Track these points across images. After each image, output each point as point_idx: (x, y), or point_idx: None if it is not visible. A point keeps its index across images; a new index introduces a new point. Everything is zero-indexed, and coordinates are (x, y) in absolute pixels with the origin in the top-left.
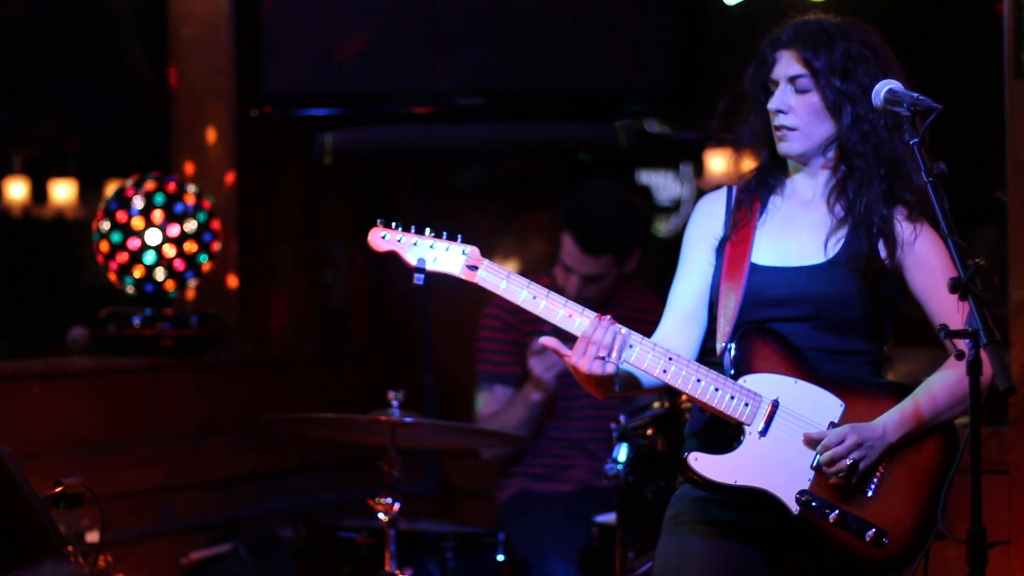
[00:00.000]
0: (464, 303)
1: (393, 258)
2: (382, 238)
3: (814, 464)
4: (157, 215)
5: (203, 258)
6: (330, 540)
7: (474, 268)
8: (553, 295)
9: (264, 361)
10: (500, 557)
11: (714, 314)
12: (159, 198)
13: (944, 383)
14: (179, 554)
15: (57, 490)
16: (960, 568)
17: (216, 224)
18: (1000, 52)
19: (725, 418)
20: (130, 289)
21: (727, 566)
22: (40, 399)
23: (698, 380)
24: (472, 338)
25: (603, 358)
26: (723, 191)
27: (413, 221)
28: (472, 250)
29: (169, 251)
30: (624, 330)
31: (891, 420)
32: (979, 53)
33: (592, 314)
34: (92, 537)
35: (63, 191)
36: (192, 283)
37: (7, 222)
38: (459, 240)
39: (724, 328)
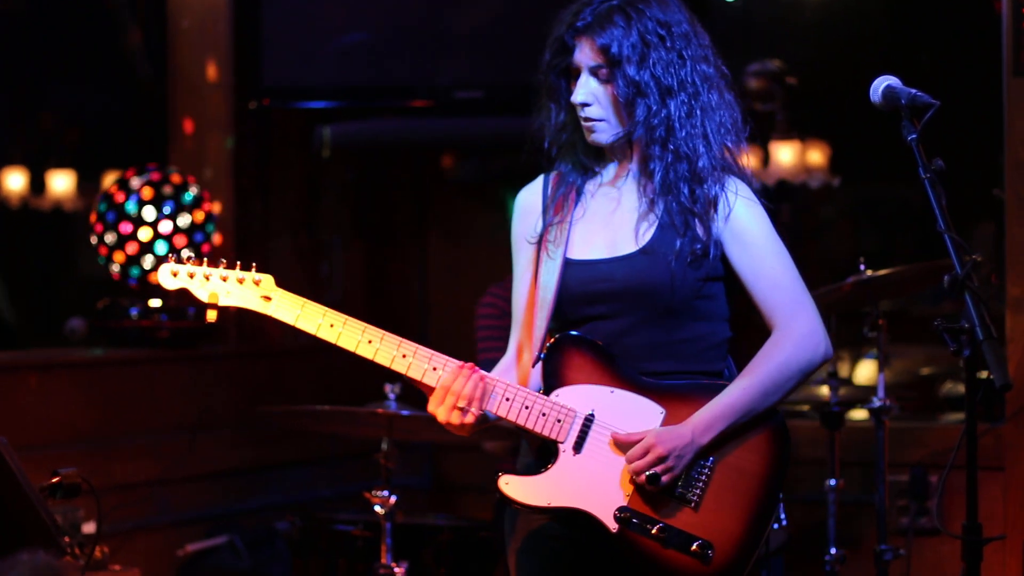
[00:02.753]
0: (461, 295)
1: (390, 251)
2: (172, 275)
3: (632, 479)
4: (154, 207)
5: (201, 250)
6: (326, 533)
7: (268, 299)
8: (353, 324)
9: (261, 354)
10: (495, 550)
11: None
12: (156, 190)
13: (757, 373)
14: (175, 546)
15: (54, 480)
16: (955, 564)
17: (213, 216)
18: (999, 49)
19: (537, 437)
20: (116, 275)
21: None
22: (37, 390)
23: (507, 399)
24: (469, 330)
25: (464, 409)
26: (538, 182)
27: (410, 215)
28: (265, 279)
29: (166, 243)
30: (488, 377)
31: (700, 421)
32: (978, 50)
33: (425, 355)
34: (88, 528)
35: (61, 182)
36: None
37: (5, 213)
38: (253, 270)
39: (537, 335)
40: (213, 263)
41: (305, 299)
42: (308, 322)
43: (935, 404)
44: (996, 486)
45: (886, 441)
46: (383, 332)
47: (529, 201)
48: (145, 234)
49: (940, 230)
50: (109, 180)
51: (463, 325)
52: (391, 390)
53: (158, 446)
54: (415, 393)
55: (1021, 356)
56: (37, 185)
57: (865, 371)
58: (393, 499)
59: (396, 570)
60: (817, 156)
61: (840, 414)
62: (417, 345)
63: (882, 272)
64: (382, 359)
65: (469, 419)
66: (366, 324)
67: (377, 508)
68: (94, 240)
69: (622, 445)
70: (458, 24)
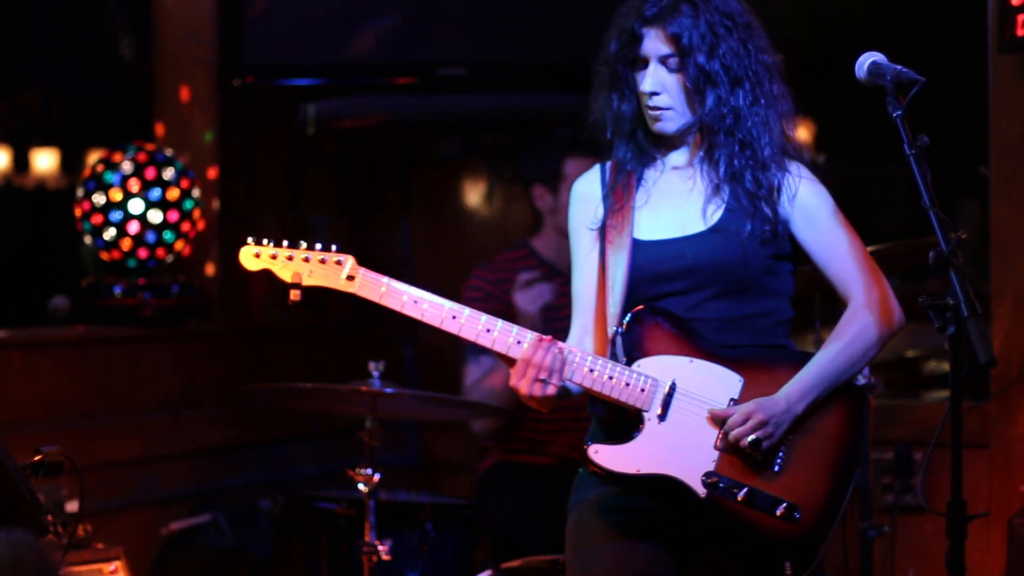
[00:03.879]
0: (445, 274)
1: (374, 228)
2: (255, 256)
3: (718, 444)
4: (138, 185)
5: (184, 228)
6: (309, 511)
7: (351, 278)
8: (434, 300)
9: (245, 332)
10: (479, 529)
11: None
12: (140, 168)
13: (841, 343)
14: (159, 524)
15: (36, 459)
16: (940, 541)
17: (197, 194)
18: (984, 25)
19: (622, 406)
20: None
21: (631, 572)
22: (20, 368)
23: (591, 370)
24: None
25: (544, 381)
26: (595, 171)
27: (395, 192)
28: (347, 259)
29: (150, 221)
30: (566, 348)
31: (794, 391)
32: (963, 27)
33: (507, 329)
34: (72, 507)
35: (45, 160)
36: (173, 253)
37: None
38: (334, 250)
39: (612, 311)
40: (294, 245)
41: (388, 277)
42: (392, 300)
43: (920, 382)
44: (981, 463)
45: (871, 419)
46: (464, 307)
47: (587, 190)
48: (128, 211)
49: (925, 206)
50: (93, 158)
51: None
52: (375, 368)
53: (141, 424)
54: (399, 371)
55: (1006, 333)
56: (20, 163)
57: None
58: (376, 477)
59: (379, 548)
60: (802, 134)
61: None
62: (499, 320)
63: (867, 249)
64: (467, 333)
65: (550, 391)
66: (447, 300)
67: (360, 486)
68: (79, 218)
69: (718, 417)
70: (442, 1)
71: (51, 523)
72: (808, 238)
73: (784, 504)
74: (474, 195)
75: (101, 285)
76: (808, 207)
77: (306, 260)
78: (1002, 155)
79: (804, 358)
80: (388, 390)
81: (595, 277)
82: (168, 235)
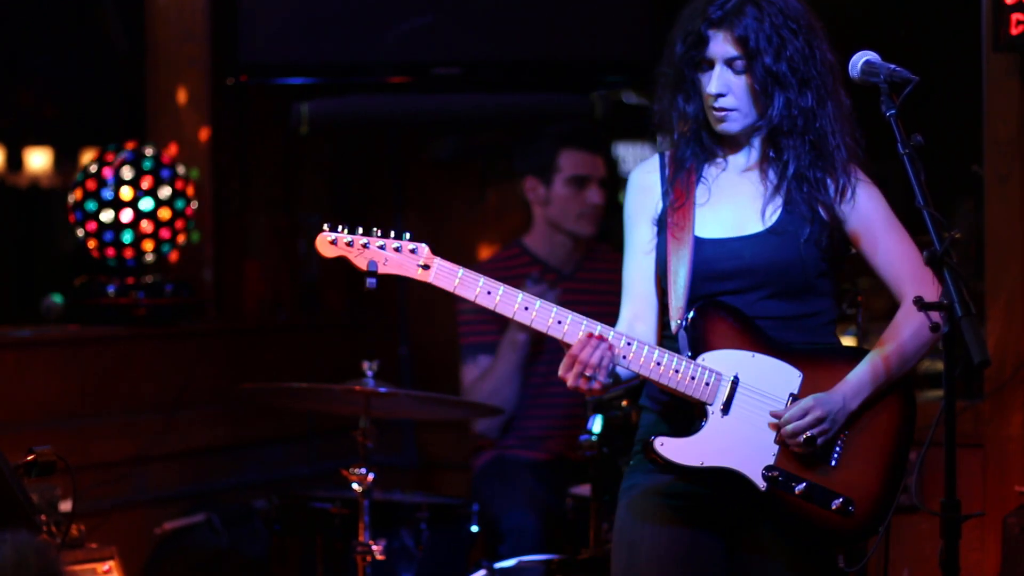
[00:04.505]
0: None
1: (368, 228)
2: (331, 243)
3: (778, 438)
4: (131, 184)
5: (177, 227)
6: (304, 511)
7: (426, 268)
8: (508, 290)
9: (239, 331)
10: (474, 528)
11: (664, 290)
12: (133, 167)
13: (895, 342)
14: (153, 524)
15: (29, 458)
16: (934, 541)
17: (190, 193)
18: (979, 24)
19: (687, 399)
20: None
21: (680, 554)
22: (14, 368)
23: (657, 363)
24: (448, 309)
25: (591, 377)
26: (655, 161)
27: (388, 192)
28: (422, 248)
29: (143, 220)
30: (611, 338)
31: (849, 388)
32: (957, 25)
33: (578, 321)
34: (65, 507)
35: (38, 159)
36: (167, 252)
37: None
38: (407, 238)
39: (676, 305)
40: (368, 232)
41: (462, 266)
42: (467, 289)
43: (914, 381)
44: (975, 463)
45: None
46: (536, 299)
47: (647, 180)
48: (123, 211)
49: (919, 206)
50: (87, 157)
51: (440, 302)
52: (369, 367)
53: (135, 424)
54: (393, 371)
55: (1000, 333)
56: (14, 162)
57: None
58: (371, 477)
59: (374, 548)
60: None
61: None
62: (569, 311)
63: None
64: (539, 324)
65: (595, 386)
66: (520, 291)
67: (355, 486)
68: (72, 218)
69: (777, 414)
70: (436, 1)
71: (44, 523)
72: (865, 240)
73: (840, 499)
74: (468, 195)
75: (94, 285)
76: (865, 210)
77: (381, 248)
78: (996, 154)
79: (860, 354)
80: (382, 390)
81: (650, 266)
82: (161, 235)
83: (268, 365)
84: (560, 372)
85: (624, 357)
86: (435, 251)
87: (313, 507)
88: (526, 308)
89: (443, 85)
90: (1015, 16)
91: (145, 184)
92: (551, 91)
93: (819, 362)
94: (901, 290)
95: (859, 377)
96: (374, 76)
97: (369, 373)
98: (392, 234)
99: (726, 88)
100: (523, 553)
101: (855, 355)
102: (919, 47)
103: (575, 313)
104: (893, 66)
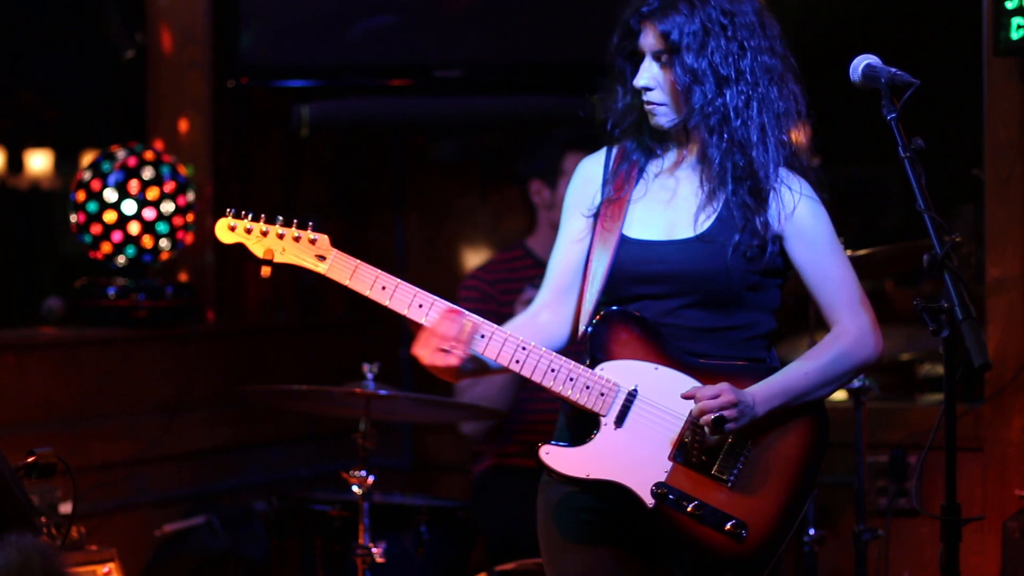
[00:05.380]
0: (440, 274)
1: (368, 230)
2: (230, 229)
3: (672, 455)
4: (132, 186)
5: (178, 229)
6: (304, 513)
7: (323, 259)
8: (404, 286)
9: (239, 333)
10: (473, 531)
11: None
12: (135, 169)
13: (819, 361)
14: (153, 526)
15: (29, 460)
16: (934, 545)
17: (191, 195)
18: (979, 28)
19: (581, 408)
20: (98, 255)
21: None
22: (14, 370)
23: (552, 370)
24: None
25: (446, 351)
26: (602, 154)
27: (389, 194)
28: (321, 239)
29: (144, 222)
30: (472, 323)
31: (760, 392)
32: (958, 29)
33: (443, 305)
34: (65, 508)
35: (39, 161)
36: (167, 254)
37: None
38: (309, 228)
39: (586, 308)
40: (271, 219)
41: (359, 260)
42: (361, 284)
43: (914, 385)
44: (975, 467)
45: (865, 422)
46: (434, 297)
47: (590, 171)
48: (122, 212)
49: (920, 209)
50: (87, 159)
51: None
52: (369, 370)
53: (136, 426)
54: (393, 373)
55: (1000, 336)
56: (15, 164)
57: None
58: (371, 479)
59: (373, 550)
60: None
61: None
62: (478, 318)
63: (862, 252)
64: (431, 321)
65: (452, 360)
66: (418, 288)
67: (355, 488)
68: (72, 219)
69: (688, 395)
70: (437, 3)
71: (44, 525)
72: (801, 258)
73: (732, 521)
74: (468, 197)
75: (95, 286)
76: (804, 227)
77: (280, 236)
78: (997, 158)
79: (772, 374)
80: (382, 392)
81: (574, 258)
82: (161, 236)
83: (268, 367)
84: (415, 349)
85: (517, 362)
86: (434, 244)
87: (313, 509)
88: (420, 306)
89: (444, 87)
90: (1015, 20)
91: (145, 186)
92: (552, 93)
93: (728, 379)
94: (833, 315)
95: (772, 386)
96: (375, 78)
97: (369, 375)
98: (295, 222)
99: (653, 82)
100: (523, 557)
101: (767, 374)
102: (920, 51)
103: (481, 318)
104: (894, 70)
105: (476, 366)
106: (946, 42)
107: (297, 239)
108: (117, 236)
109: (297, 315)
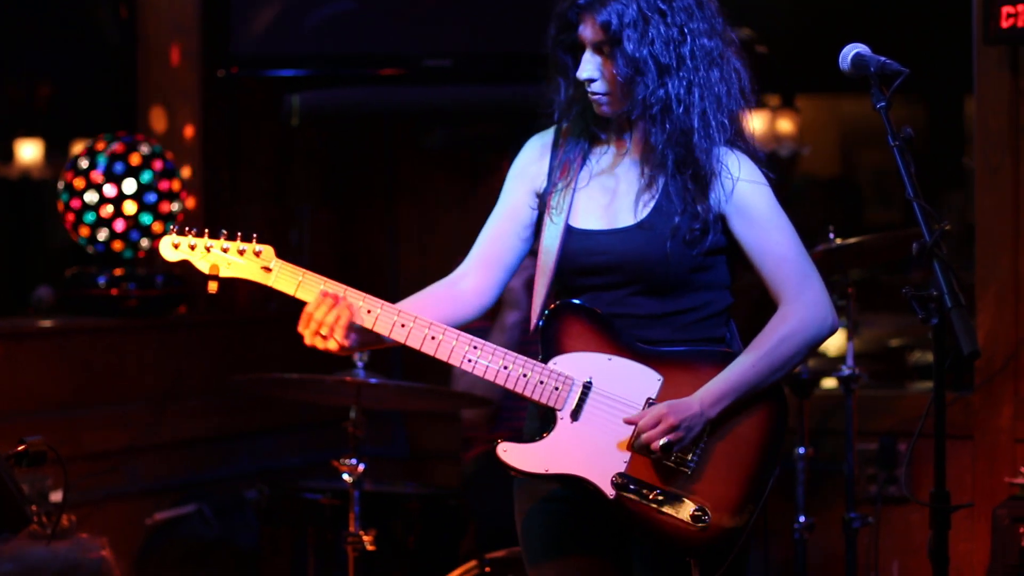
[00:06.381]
0: (430, 263)
1: (359, 219)
2: (174, 247)
3: (631, 445)
4: (121, 174)
5: (168, 217)
6: (295, 501)
7: (268, 270)
8: (351, 292)
9: (230, 322)
10: (464, 519)
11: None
12: (124, 158)
13: (764, 348)
14: (144, 514)
15: (20, 448)
16: (924, 531)
17: (181, 183)
18: (969, 17)
19: (535, 404)
20: (89, 248)
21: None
22: (4, 359)
23: (505, 368)
24: None
25: (324, 336)
26: (551, 133)
27: (379, 183)
28: (266, 250)
29: (133, 211)
30: (352, 308)
31: (708, 395)
32: (947, 18)
33: (374, 304)
34: (56, 497)
35: (29, 151)
36: (157, 242)
37: None
38: (253, 240)
39: (538, 302)
40: (214, 235)
41: (304, 269)
42: (307, 292)
43: (904, 373)
44: (965, 454)
45: (855, 410)
46: (383, 302)
47: (540, 146)
48: (113, 202)
49: (909, 198)
50: (78, 148)
51: None
52: (359, 358)
53: (126, 415)
54: (383, 362)
55: (990, 324)
56: (5, 153)
57: (834, 340)
58: (361, 467)
59: (364, 538)
60: (786, 125)
61: (809, 382)
62: (443, 325)
63: (851, 240)
64: (381, 329)
65: (332, 346)
66: (365, 294)
67: (345, 476)
68: (62, 208)
69: (631, 420)
70: None
71: (35, 513)
72: (743, 235)
73: (695, 507)
74: (459, 186)
75: (85, 276)
76: (744, 206)
77: (224, 251)
78: (987, 146)
79: (728, 358)
80: (373, 380)
81: (505, 230)
82: (150, 225)
83: (259, 356)
84: (299, 328)
85: (470, 361)
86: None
87: (304, 498)
88: (368, 311)
89: (434, 77)
90: (1005, 9)
91: (136, 175)
92: (541, 83)
93: (682, 365)
94: (779, 291)
95: (720, 385)
96: (365, 68)
97: (360, 364)
98: (239, 236)
99: (596, 73)
100: (514, 544)
101: (724, 359)
102: (910, 39)
103: (438, 323)
104: (883, 58)
105: (369, 339)
106: (935, 31)
107: (242, 252)
108: (107, 225)
109: (287, 304)
